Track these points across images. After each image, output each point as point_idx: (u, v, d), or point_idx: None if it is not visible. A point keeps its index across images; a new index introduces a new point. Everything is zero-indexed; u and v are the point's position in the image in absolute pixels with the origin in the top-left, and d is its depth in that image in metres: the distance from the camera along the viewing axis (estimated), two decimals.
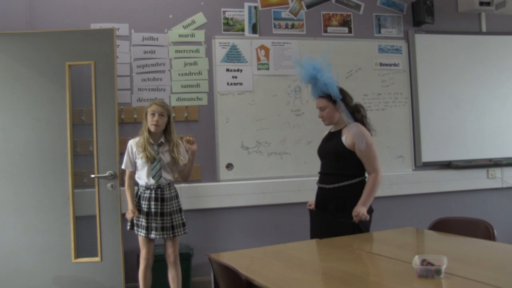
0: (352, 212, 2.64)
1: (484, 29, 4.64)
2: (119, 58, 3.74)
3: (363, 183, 2.75)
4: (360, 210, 2.63)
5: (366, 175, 2.80)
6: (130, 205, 3.10)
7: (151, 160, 3.05)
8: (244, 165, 3.99)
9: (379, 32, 4.37)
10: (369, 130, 2.82)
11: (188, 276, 3.55)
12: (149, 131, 3.09)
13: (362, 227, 2.67)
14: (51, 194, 3.42)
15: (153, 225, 3.06)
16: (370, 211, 2.72)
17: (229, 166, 3.97)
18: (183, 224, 3.16)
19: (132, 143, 3.15)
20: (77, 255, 3.41)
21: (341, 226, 2.66)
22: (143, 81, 3.86)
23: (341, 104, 2.78)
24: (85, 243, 3.45)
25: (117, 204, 3.45)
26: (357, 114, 2.83)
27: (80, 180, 3.53)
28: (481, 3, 4.40)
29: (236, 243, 3.88)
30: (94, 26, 3.77)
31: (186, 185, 3.84)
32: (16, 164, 3.41)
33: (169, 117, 3.14)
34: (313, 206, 2.91)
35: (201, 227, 3.91)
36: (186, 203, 3.80)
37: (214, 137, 3.96)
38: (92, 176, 3.46)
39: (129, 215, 3.08)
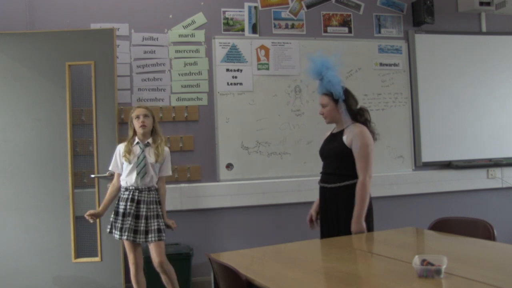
0: (351, 229, 2.66)
1: (484, 29, 4.64)
2: (119, 58, 3.74)
3: None
4: (356, 229, 2.63)
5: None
6: (102, 204, 3.11)
7: (129, 160, 3.04)
8: (244, 165, 3.99)
9: (379, 32, 4.37)
10: (373, 133, 2.81)
11: (188, 276, 3.55)
12: (135, 135, 3.11)
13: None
14: (51, 194, 3.43)
15: (126, 226, 3.00)
16: (368, 218, 2.72)
17: (229, 166, 3.97)
18: (159, 230, 3.05)
19: (120, 146, 3.14)
20: (77, 255, 3.42)
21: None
22: (143, 81, 3.86)
23: (342, 104, 2.77)
24: (85, 243, 3.45)
25: None
26: (360, 117, 2.81)
27: (80, 180, 3.53)
28: (481, 3, 4.39)
29: (236, 243, 3.88)
30: (94, 26, 3.77)
31: (186, 185, 3.84)
32: (16, 164, 3.42)
33: (153, 117, 3.15)
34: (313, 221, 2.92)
35: (201, 227, 3.91)
36: (186, 203, 3.81)
37: (214, 137, 3.96)
38: (92, 176, 3.46)
39: (88, 213, 3.04)
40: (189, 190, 3.85)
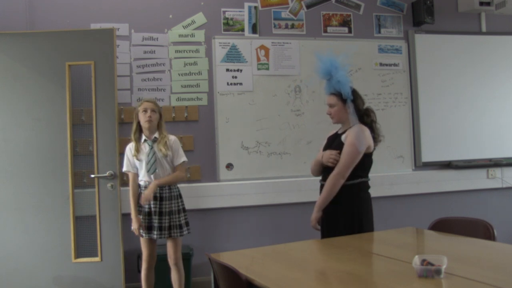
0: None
1: (484, 29, 4.64)
2: (119, 58, 3.74)
3: (363, 184, 2.75)
4: (312, 217, 2.74)
5: (369, 175, 2.80)
6: (132, 214, 3.07)
7: (138, 157, 3.08)
8: (244, 165, 3.99)
9: (379, 32, 4.37)
10: (377, 135, 2.80)
11: (188, 276, 3.55)
12: (140, 130, 3.13)
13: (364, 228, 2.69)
14: (51, 194, 3.42)
15: (154, 224, 3.05)
16: (368, 218, 2.73)
17: (229, 166, 3.97)
18: (181, 226, 3.12)
19: (130, 146, 3.16)
20: (77, 255, 3.42)
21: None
22: (143, 81, 3.86)
23: (351, 105, 2.76)
24: (85, 243, 3.45)
25: (117, 204, 3.45)
26: (366, 118, 2.80)
27: (80, 180, 3.53)
28: (481, 3, 4.39)
29: (236, 243, 3.88)
30: (94, 26, 3.77)
31: (186, 185, 3.84)
32: (16, 164, 3.41)
33: (160, 114, 3.17)
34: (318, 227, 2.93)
35: (201, 227, 3.91)
36: (186, 203, 3.78)
37: (214, 137, 3.96)
38: (92, 176, 3.46)
39: (133, 226, 3.07)
40: (189, 190, 3.84)
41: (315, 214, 2.76)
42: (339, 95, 2.77)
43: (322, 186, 2.87)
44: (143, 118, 3.09)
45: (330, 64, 2.76)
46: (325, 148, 2.91)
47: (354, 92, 2.79)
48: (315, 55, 2.89)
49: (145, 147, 3.10)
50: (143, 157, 3.09)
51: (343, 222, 2.71)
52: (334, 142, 2.83)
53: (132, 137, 3.13)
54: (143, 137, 3.13)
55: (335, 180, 2.69)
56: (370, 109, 2.85)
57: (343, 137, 2.75)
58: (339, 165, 2.69)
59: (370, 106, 2.91)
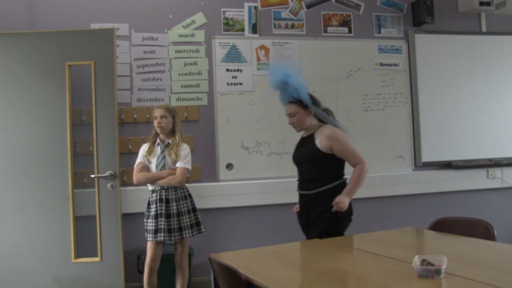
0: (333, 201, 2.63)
1: (484, 29, 4.64)
2: (119, 58, 3.74)
3: (343, 185, 2.73)
4: (341, 199, 2.61)
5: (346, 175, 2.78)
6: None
7: (149, 158, 3.14)
8: (244, 165, 3.99)
9: (379, 32, 4.37)
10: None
11: (188, 276, 3.54)
12: (157, 135, 3.18)
13: (341, 227, 2.68)
14: (51, 194, 3.42)
15: (160, 227, 3.03)
16: (349, 213, 2.70)
17: (229, 166, 3.97)
18: (191, 226, 3.11)
19: (144, 146, 3.22)
20: (77, 255, 3.41)
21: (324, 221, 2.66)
22: (143, 81, 3.86)
23: (313, 107, 2.76)
24: (85, 243, 3.45)
25: (117, 204, 3.45)
26: None
27: (80, 180, 3.53)
28: (481, 3, 4.40)
29: (236, 243, 3.88)
30: (94, 26, 3.77)
31: (186, 185, 3.83)
32: (16, 164, 3.41)
33: (174, 117, 3.18)
34: (298, 209, 2.91)
35: None
36: None
37: (214, 137, 3.95)
38: (92, 176, 3.46)
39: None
40: (189, 190, 3.84)
41: (345, 201, 2.62)
42: (298, 102, 2.76)
43: (301, 196, 2.85)
44: (154, 124, 3.15)
45: (283, 73, 2.75)
46: (295, 155, 2.91)
47: (310, 96, 2.78)
48: (266, 70, 2.87)
49: (157, 150, 3.14)
50: (154, 159, 3.12)
51: (325, 223, 2.67)
52: (305, 147, 2.80)
53: (150, 139, 3.20)
54: (158, 140, 3.17)
55: (364, 168, 2.67)
56: (328, 109, 2.87)
57: (317, 142, 2.72)
58: (352, 160, 2.69)
59: (326, 106, 2.91)
